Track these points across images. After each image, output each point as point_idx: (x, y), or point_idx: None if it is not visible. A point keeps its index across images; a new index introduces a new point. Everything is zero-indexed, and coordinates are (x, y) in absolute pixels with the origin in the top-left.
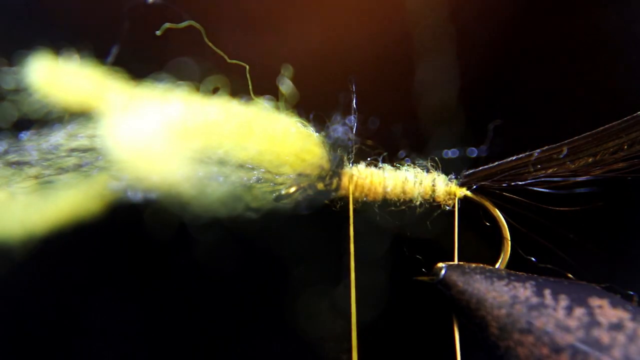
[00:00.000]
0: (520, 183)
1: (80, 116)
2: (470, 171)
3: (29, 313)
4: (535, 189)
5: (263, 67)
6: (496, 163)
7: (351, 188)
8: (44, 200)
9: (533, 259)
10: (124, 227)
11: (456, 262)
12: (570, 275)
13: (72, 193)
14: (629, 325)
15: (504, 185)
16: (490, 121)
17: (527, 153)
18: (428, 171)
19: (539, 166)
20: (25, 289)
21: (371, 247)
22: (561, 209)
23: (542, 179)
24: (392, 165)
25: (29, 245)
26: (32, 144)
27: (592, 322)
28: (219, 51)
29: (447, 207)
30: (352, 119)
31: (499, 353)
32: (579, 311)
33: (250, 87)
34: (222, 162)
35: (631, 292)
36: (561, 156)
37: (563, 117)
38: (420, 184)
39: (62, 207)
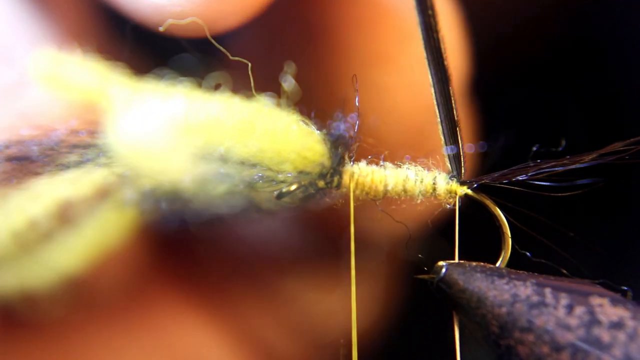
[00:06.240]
0: (520, 178)
1: (83, 111)
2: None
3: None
4: (535, 182)
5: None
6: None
7: (352, 186)
8: (72, 238)
9: (532, 257)
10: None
11: (457, 260)
12: (569, 274)
13: (98, 225)
14: (630, 323)
15: (504, 182)
16: (491, 121)
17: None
18: (429, 169)
19: (539, 160)
20: None
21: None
22: (560, 194)
23: (543, 170)
24: (393, 164)
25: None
26: (34, 139)
27: (593, 321)
28: (221, 48)
29: (448, 206)
30: (354, 117)
31: (500, 352)
32: (579, 310)
33: (252, 84)
34: (223, 159)
35: (625, 288)
36: (560, 149)
37: (564, 117)
38: (421, 182)
39: (91, 241)
